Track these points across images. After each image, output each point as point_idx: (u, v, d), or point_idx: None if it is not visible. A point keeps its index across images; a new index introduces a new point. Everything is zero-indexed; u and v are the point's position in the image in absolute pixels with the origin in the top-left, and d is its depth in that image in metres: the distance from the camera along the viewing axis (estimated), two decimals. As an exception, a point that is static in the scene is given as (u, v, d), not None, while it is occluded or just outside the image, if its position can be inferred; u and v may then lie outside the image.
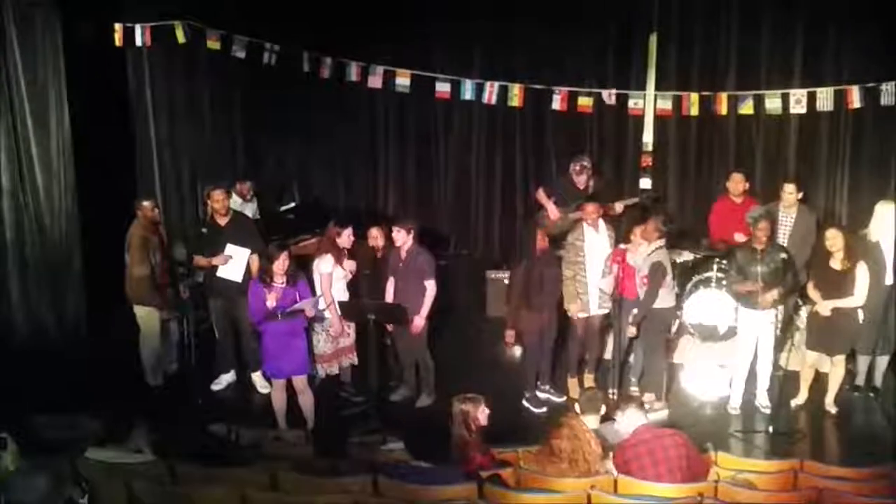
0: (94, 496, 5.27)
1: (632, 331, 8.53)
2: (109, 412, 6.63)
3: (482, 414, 6.47)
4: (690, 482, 5.98)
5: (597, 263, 8.84)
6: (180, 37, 10.79)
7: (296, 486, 5.88)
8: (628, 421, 6.34)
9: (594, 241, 8.84)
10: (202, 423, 7.24)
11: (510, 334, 8.74)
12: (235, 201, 10.07)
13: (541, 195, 10.16)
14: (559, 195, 10.08)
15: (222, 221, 8.93)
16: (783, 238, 9.25)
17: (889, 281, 8.46)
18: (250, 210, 10.43)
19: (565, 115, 11.71)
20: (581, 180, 9.93)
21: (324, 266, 8.49)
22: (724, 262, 9.59)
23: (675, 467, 6.03)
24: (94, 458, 5.91)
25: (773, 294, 8.32)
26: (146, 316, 8.93)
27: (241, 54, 11.18)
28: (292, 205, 11.65)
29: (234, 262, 8.89)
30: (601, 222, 8.97)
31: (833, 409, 8.61)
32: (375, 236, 8.85)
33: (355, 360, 8.85)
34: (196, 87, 11.36)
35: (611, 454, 6.20)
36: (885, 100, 10.62)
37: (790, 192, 9.50)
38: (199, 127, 11.48)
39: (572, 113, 11.65)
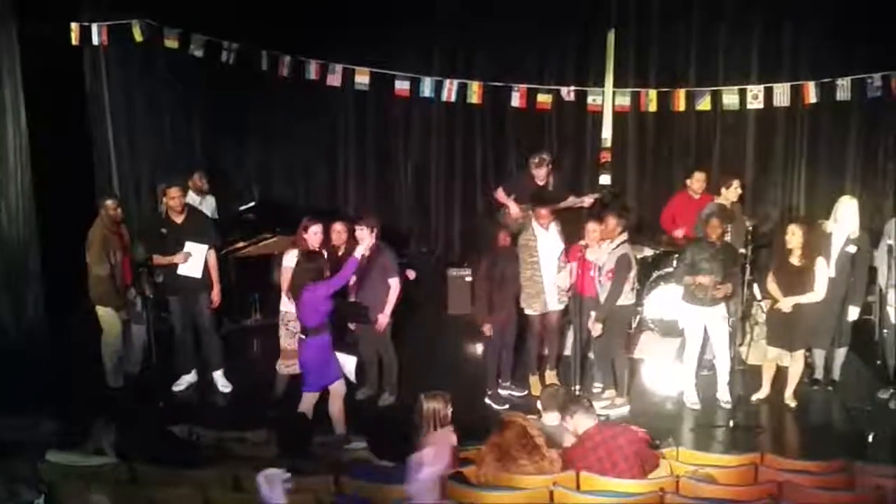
0: (54, 498, 5.22)
1: (597, 328, 8.53)
2: (69, 414, 6.58)
3: (449, 411, 6.48)
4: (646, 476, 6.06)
5: (551, 261, 8.85)
6: (137, 35, 10.68)
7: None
8: (577, 423, 6.41)
9: (546, 239, 8.85)
10: (163, 425, 7.18)
11: (488, 327, 8.76)
12: (193, 198, 10.04)
13: (500, 195, 10.16)
14: (520, 192, 10.08)
15: (179, 219, 8.86)
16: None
17: (832, 274, 8.52)
18: (208, 207, 10.37)
19: (524, 112, 11.76)
20: (541, 174, 9.89)
21: (287, 261, 8.45)
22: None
23: (634, 464, 6.09)
24: (54, 460, 5.86)
25: (725, 289, 8.40)
26: (106, 316, 8.85)
27: (199, 53, 11.10)
28: (251, 204, 11.58)
29: (193, 259, 8.85)
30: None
31: (792, 403, 8.69)
32: (339, 231, 8.79)
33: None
34: (154, 86, 11.27)
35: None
36: (840, 95, 10.77)
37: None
38: (156, 126, 11.39)
39: (531, 110, 11.70)
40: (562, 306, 8.99)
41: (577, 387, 8.64)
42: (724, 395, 8.74)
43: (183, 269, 8.83)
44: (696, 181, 10.09)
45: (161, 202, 9.28)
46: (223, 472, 6.00)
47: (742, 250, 8.95)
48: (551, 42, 11.66)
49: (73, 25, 10.44)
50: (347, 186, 12.90)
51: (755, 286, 9.42)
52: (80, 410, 6.83)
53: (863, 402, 8.64)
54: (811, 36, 10.81)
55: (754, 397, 8.81)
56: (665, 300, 9.89)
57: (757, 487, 5.99)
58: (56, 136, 9.65)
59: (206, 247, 8.90)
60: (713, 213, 8.75)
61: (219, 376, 9.13)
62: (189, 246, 8.81)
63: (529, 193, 9.61)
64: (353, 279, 8.59)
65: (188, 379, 9.21)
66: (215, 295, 9.03)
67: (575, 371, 8.75)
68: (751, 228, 9.08)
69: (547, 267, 8.83)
